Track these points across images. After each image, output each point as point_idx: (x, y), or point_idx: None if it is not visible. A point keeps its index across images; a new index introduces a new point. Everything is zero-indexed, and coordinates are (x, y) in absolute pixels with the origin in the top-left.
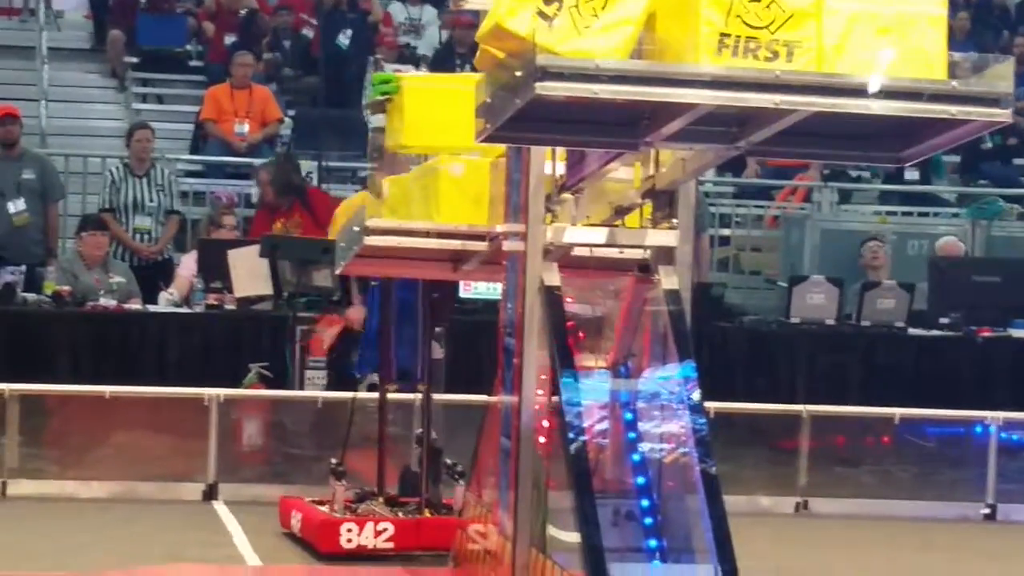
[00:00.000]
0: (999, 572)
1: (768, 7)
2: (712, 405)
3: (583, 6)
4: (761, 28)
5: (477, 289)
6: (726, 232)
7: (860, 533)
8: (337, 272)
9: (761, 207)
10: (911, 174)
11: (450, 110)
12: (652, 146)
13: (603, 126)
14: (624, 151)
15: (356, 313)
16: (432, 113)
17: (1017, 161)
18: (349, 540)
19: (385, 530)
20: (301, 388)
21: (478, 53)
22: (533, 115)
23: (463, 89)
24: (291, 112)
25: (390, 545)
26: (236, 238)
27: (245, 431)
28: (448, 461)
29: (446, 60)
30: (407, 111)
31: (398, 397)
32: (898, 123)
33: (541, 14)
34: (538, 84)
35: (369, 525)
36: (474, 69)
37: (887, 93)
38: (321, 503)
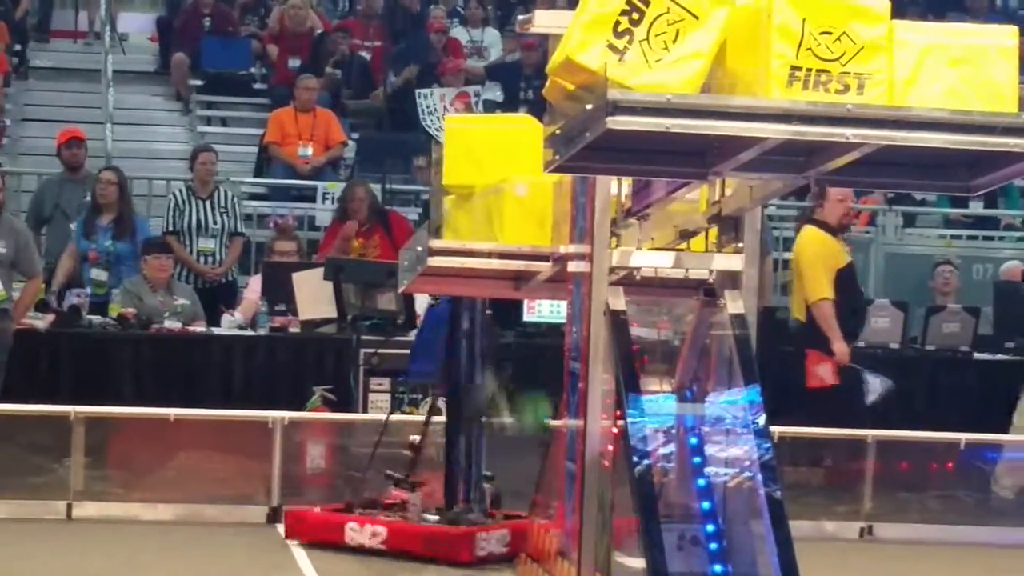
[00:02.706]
0: None
1: (839, 40)
2: (776, 429)
3: (654, 40)
4: (832, 60)
5: (540, 313)
6: (790, 256)
7: (924, 558)
8: (400, 291)
9: None
10: (976, 198)
11: (490, 149)
12: (720, 176)
13: (671, 156)
14: (692, 180)
15: None
16: (471, 153)
17: None
18: (482, 548)
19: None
20: (365, 411)
21: (548, 84)
22: (603, 145)
23: (503, 129)
24: (355, 135)
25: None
26: (300, 261)
27: (309, 454)
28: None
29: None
30: (447, 151)
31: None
32: (968, 154)
33: (612, 47)
34: (609, 119)
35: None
36: (540, 90)
37: (955, 126)
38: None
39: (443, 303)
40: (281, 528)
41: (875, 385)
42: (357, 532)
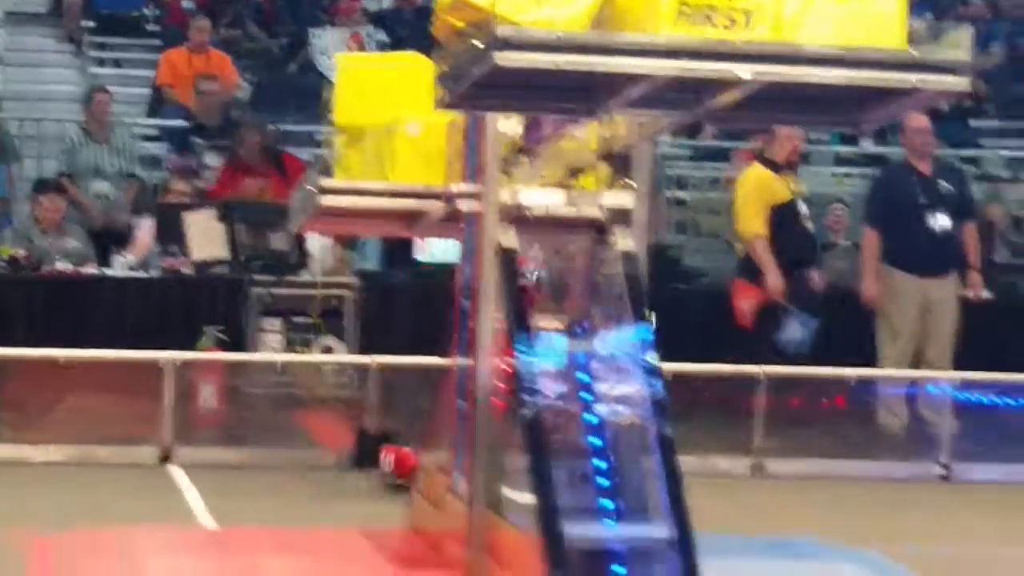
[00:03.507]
0: (951, 529)
1: None
2: (668, 367)
3: None
4: None
5: (433, 253)
6: (683, 195)
7: (813, 493)
8: (291, 231)
9: (718, 169)
10: (867, 136)
11: (381, 88)
12: (609, 112)
13: (561, 92)
14: (581, 117)
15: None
16: (363, 92)
17: (974, 123)
18: None
19: None
20: (257, 351)
21: (437, 22)
22: (492, 82)
23: (394, 67)
24: (248, 76)
25: None
26: (193, 202)
27: (201, 394)
28: None
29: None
30: (338, 90)
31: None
32: (857, 90)
33: None
34: (498, 55)
35: None
36: (424, 34)
37: (846, 62)
38: None
39: None
40: (173, 468)
41: (794, 330)
42: None
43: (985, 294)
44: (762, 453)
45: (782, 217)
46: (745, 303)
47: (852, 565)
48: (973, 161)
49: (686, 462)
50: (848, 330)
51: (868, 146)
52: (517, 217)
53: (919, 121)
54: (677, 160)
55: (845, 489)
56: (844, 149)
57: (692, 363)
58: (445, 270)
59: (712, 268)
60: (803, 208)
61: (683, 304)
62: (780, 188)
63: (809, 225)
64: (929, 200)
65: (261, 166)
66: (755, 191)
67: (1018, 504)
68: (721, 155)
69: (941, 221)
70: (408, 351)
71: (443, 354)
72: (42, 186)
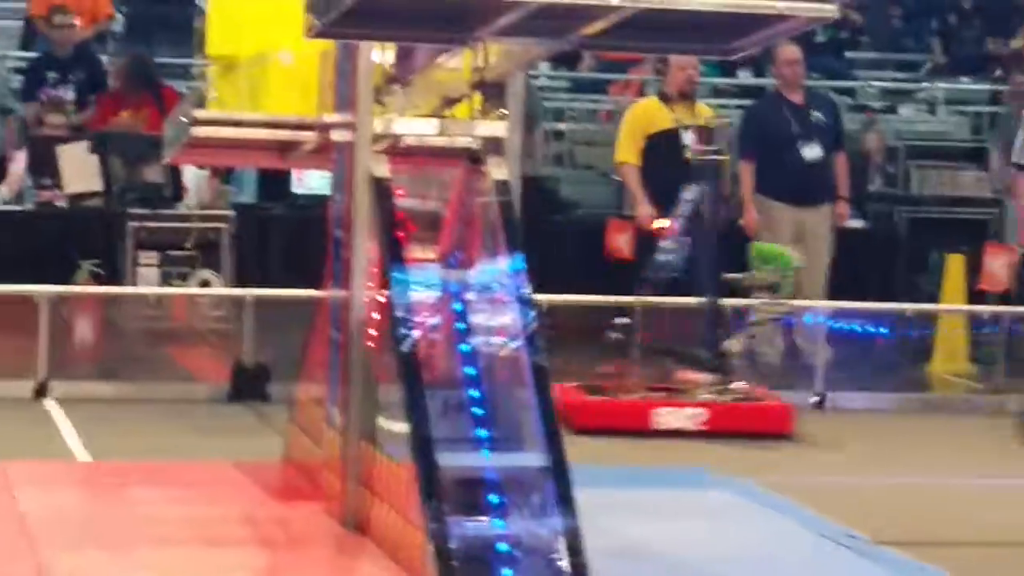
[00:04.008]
0: (824, 457)
1: None
2: (544, 298)
3: None
4: None
5: (310, 184)
6: (561, 126)
7: None
8: (164, 162)
9: (596, 101)
10: (745, 67)
11: (254, 18)
12: (481, 41)
13: (433, 20)
14: (453, 46)
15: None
16: (235, 21)
17: (849, 54)
18: None
19: None
20: (133, 284)
21: None
22: (363, 10)
23: None
24: (123, 8)
25: None
26: (67, 134)
27: (76, 328)
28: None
29: None
30: (210, 20)
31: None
32: (729, 17)
33: None
34: None
35: None
36: None
37: None
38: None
39: None
40: (48, 402)
41: (668, 252)
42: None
43: (854, 223)
44: None
45: (661, 146)
46: (621, 238)
47: (724, 492)
48: (848, 92)
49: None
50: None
51: (746, 77)
52: (390, 147)
53: (790, 53)
54: (556, 92)
55: None
56: (721, 81)
57: (569, 294)
58: (321, 201)
59: (589, 200)
60: (687, 138)
61: (559, 236)
62: (661, 117)
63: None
64: (801, 131)
65: (138, 98)
66: (633, 120)
67: (889, 431)
68: (599, 87)
69: (813, 151)
70: (284, 283)
71: (319, 286)
72: None
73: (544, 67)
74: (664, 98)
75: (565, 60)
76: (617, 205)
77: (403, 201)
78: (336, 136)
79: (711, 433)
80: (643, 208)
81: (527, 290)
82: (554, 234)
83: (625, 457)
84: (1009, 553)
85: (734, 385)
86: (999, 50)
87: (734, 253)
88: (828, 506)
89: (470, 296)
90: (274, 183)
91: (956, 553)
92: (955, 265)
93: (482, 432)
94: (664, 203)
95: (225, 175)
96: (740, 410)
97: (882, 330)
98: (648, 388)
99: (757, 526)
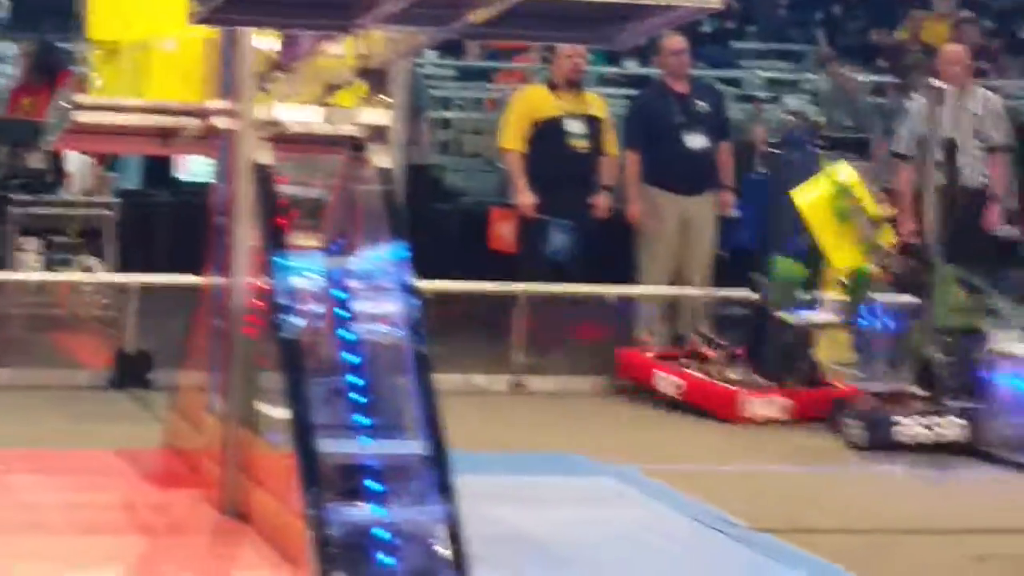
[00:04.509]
0: (704, 446)
1: None
2: (428, 285)
3: None
4: None
5: (194, 171)
6: (448, 115)
7: (572, 409)
8: (46, 148)
9: (484, 90)
10: (631, 57)
11: (137, 3)
12: (364, 28)
13: (316, 7)
14: (335, 32)
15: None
16: (118, 6)
17: (735, 44)
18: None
19: None
20: (15, 270)
21: None
22: None
23: None
24: None
25: None
26: None
27: None
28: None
29: None
30: (92, 4)
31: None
32: (615, 7)
33: None
34: None
35: None
36: None
37: None
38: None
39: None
40: None
41: (555, 239)
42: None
43: (737, 213)
44: (522, 371)
45: (545, 134)
46: (504, 227)
47: (610, 480)
48: (734, 82)
49: (447, 380)
50: (613, 250)
51: (632, 67)
52: (273, 134)
53: (676, 43)
54: (442, 80)
55: (606, 405)
56: (608, 70)
57: (453, 281)
58: (205, 188)
59: (474, 188)
60: (574, 126)
61: (444, 223)
62: (547, 105)
63: (580, 144)
64: (686, 120)
65: (39, 86)
66: (518, 108)
67: None
68: (485, 75)
69: (698, 141)
70: (168, 270)
71: (202, 273)
72: None
73: (431, 55)
74: (551, 86)
75: (451, 48)
76: (504, 193)
77: (286, 188)
78: (219, 123)
79: None
80: (524, 196)
81: (410, 278)
82: (439, 222)
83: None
84: (882, 540)
85: None
86: (883, 40)
87: (619, 241)
88: (709, 492)
89: (353, 283)
90: (158, 170)
91: (831, 540)
92: None
93: (363, 419)
94: (548, 190)
95: (109, 161)
96: None
97: None
98: None
99: (637, 512)
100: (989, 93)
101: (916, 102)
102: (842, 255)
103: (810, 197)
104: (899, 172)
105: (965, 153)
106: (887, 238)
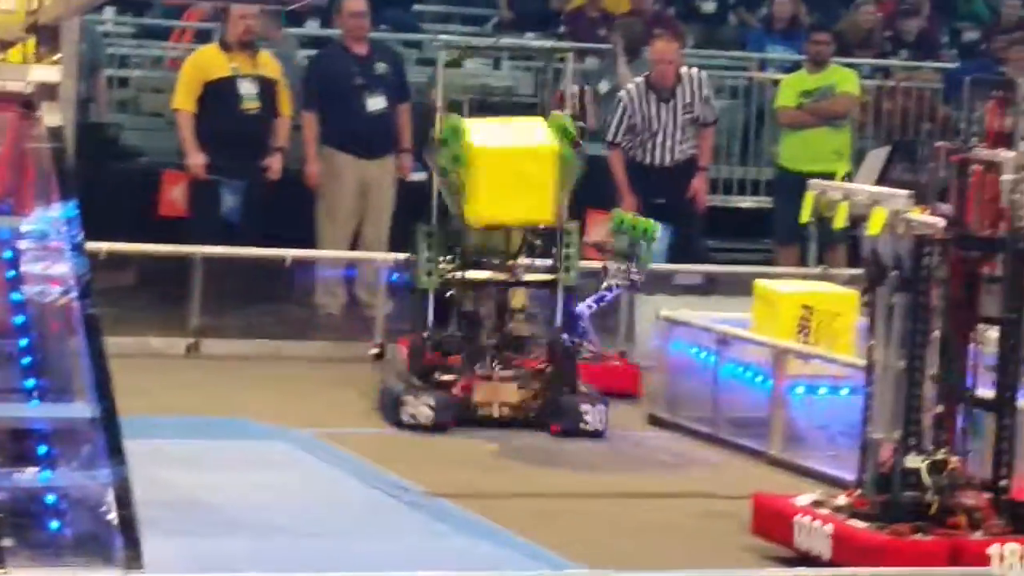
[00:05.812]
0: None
1: None
2: (103, 246)
3: None
4: None
5: None
6: (125, 73)
7: (248, 372)
8: None
9: (163, 48)
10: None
11: None
12: None
13: None
14: None
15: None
16: None
17: (417, 7)
18: None
19: None
20: None
21: None
22: None
23: None
24: None
25: None
26: None
27: None
28: None
29: None
30: None
31: None
32: None
33: None
34: None
35: None
36: None
37: None
38: None
39: None
40: None
41: (229, 200)
42: None
43: (417, 176)
44: (198, 333)
45: (217, 95)
46: (175, 191)
47: (283, 444)
48: (416, 45)
49: (121, 343)
50: (291, 212)
51: (314, 28)
52: None
53: (355, 4)
54: (121, 38)
55: (283, 369)
56: (288, 31)
57: (128, 243)
58: None
59: (153, 147)
60: (246, 87)
61: (120, 183)
62: (219, 66)
63: (252, 105)
64: (365, 82)
65: None
66: (190, 68)
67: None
68: (166, 33)
69: (377, 103)
70: None
71: None
72: None
73: (109, 12)
74: (224, 46)
75: (132, 6)
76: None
77: None
78: None
79: None
80: (194, 156)
81: (80, 238)
82: (114, 181)
83: None
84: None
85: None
86: (562, 6)
87: (295, 203)
88: (384, 457)
89: (22, 244)
90: None
91: (509, 505)
92: None
93: (31, 382)
94: (220, 151)
95: None
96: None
97: None
98: None
99: (310, 476)
100: (694, 73)
101: (627, 94)
102: None
103: None
104: (611, 158)
105: (669, 137)
106: None
